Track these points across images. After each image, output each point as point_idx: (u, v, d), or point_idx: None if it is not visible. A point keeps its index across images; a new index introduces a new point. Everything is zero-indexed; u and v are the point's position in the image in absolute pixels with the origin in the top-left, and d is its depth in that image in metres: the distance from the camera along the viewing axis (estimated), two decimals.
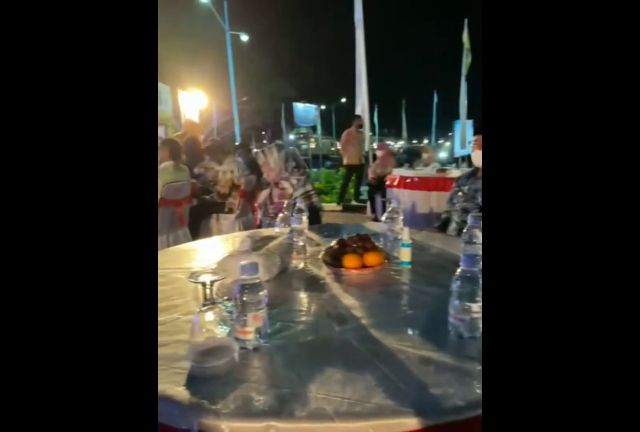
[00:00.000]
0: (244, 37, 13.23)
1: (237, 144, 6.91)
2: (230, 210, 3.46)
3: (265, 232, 1.31)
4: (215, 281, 0.63)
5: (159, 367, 0.61)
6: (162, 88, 6.72)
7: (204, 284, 0.63)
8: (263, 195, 2.48)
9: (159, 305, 0.86)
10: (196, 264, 1.19)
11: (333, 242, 1.18)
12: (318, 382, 0.57)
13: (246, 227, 3.41)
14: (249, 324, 0.66)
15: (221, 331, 0.64)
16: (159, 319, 0.79)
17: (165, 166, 3.04)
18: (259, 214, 2.38)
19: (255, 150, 2.26)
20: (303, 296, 0.96)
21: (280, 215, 1.47)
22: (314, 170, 12.06)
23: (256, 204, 2.44)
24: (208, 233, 3.41)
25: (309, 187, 2.28)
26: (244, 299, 0.66)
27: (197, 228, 3.34)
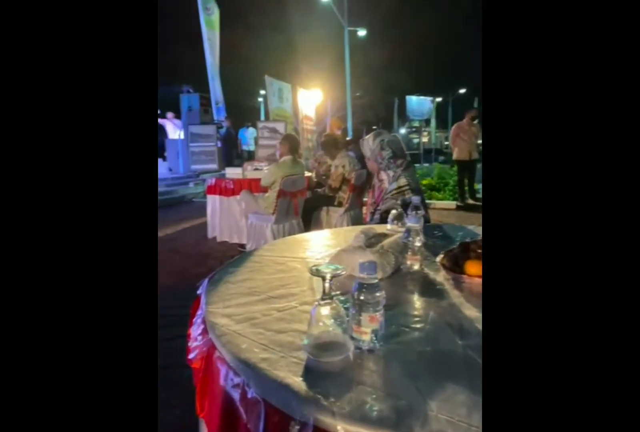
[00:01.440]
0: (362, 32, 13.26)
1: (348, 138, 7.01)
2: (340, 204, 3.52)
3: (379, 229, 1.28)
4: (336, 276, 0.63)
5: (278, 354, 0.64)
6: (284, 86, 7.17)
7: (324, 278, 0.63)
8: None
9: (278, 292, 0.90)
10: (310, 254, 1.23)
11: (454, 246, 1.08)
12: (439, 400, 0.51)
13: (354, 221, 3.44)
14: (365, 325, 0.64)
15: (337, 327, 0.64)
16: (278, 305, 0.83)
17: (284, 160, 3.25)
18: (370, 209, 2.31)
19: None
20: (419, 300, 0.90)
21: (393, 211, 1.42)
22: (426, 165, 11.52)
23: (365, 199, 2.42)
24: (318, 225, 3.54)
25: (402, 181, 1.97)
26: (362, 298, 0.64)
27: (309, 219, 3.50)
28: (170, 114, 8.74)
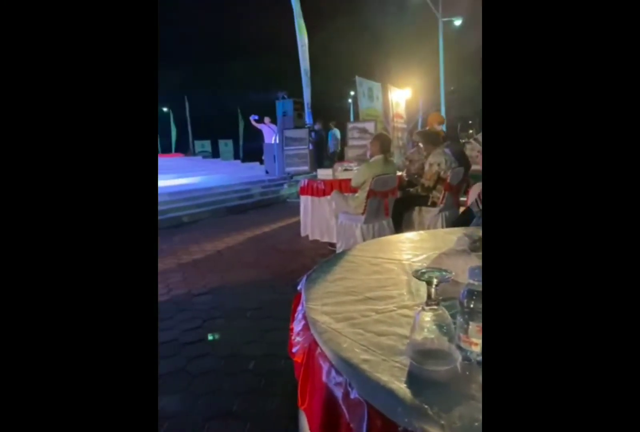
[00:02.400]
0: (458, 21, 12.46)
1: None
2: (434, 204, 3.36)
3: None
4: (443, 282, 0.59)
5: (379, 356, 0.63)
6: (374, 86, 7.12)
7: (430, 283, 0.60)
8: (475, 190, 2.27)
9: (376, 293, 0.89)
10: (406, 256, 1.19)
11: None
12: None
13: (449, 222, 3.25)
14: (474, 335, 0.59)
15: (442, 335, 0.61)
16: (377, 307, 0.82)
17: (376, 159, 3.22)
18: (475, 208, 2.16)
19: (466, 139, 2.05)
20: None
21: None
22: None
23: (465, 199, 2.27)
24: (410, 225, 3.43)
25: None
26: (471, 306, 0.59)
27: (400, 220, 3.41)
28: (267, 119, 9.35)
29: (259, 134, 9.86)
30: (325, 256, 3.43)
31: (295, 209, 4.91)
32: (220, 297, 2.63)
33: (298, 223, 4.38)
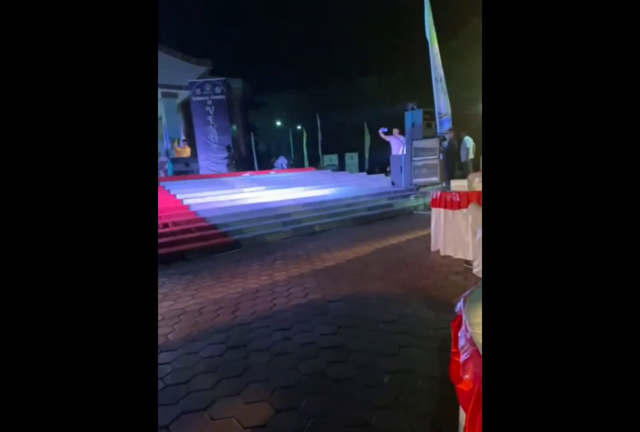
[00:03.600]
0: None
1: None
2: None
3: None
4: None
5: None
6: None
7: None
8: None
9: None
10: None
11: None
12: None
13: None
14: None
15: None
16: None
17: None
18: None
19: None
20: None
21: None
22: None
23: None
24: None
25: None
26: None
27: None
28: (396, 130, 9.35)
29: (383, 147, 9.94)
30: (459, 274, 3.20)
31: (422, 222, 4.76)
32: (352, 306, 2.71)
33: (426, 236, 4.22)
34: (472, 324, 0.83)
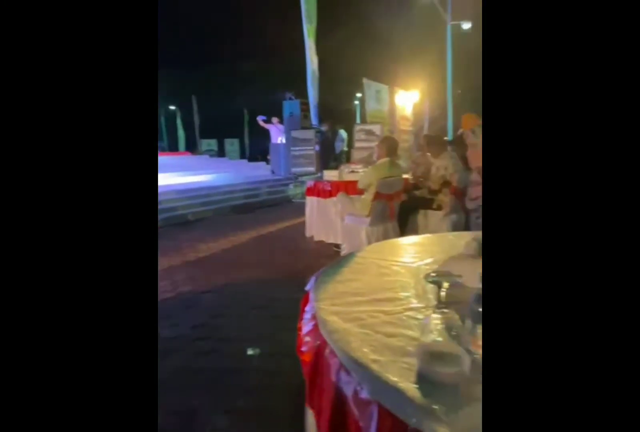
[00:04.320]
0: (466, 25, 12.44)
1: (446, 139, 6.61)
2: (439, 207, 3.36)
3: None
4: (454, 286, 0.61)
5: (388, 357, 0.64)
6: (382, 88, 7.13)
7: (440, 286, 0.61)
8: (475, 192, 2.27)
9: (383, 295, 0.91)
10: (413, 259, 1.20)
11: None
12: None
13: (455, 226, 3.25)
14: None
15: (451, 337, 0.62)
16: (385, 308, 0.83)
17: (382, 162, 3.23)
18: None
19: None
20: None
21: None
22: None
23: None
24: (414, 229, 3.43)
25: None
26: (480, 310, 0.60)
27: (405, 223, 3.41)
28: (275, 119, 9.38)
29: (265, 134, 9.90)
30: (330, 257, 3.44)
31: (300, 210, 4.93)
32: (226, 295, 2.66)
33: (303, 223, 4.40)
34: (318, 299, 0.89)
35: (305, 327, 0.84)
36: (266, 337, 2.03)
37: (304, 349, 0.79)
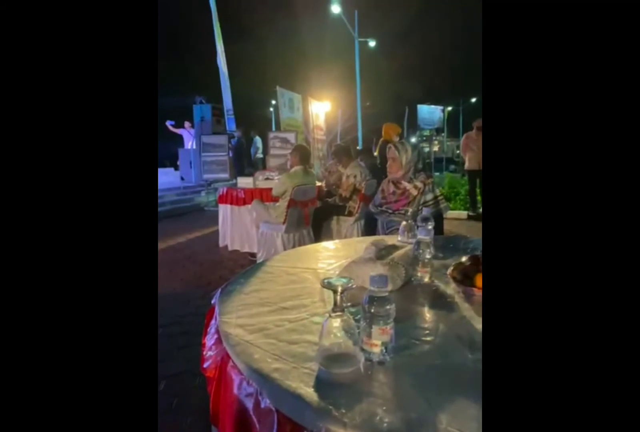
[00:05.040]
0: (372, 43, 13.42)
1: (359, 148, 7.02)
2: (350, 214, 3.54)
3: (389, 240, 1.29)
4: (347, 289, 0.65)
5: (290, 364, 0.65)
6: (295, 97, 7.28)
7: (335, 291, 0.64)
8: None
9: (290, 303, 0.92)
10: (321, 265, 1.25)
11: (464, 258, 1.09)
12: (449, 414, 0.52)
13: (363, 230, 3.45)
14: (376, 337, 0.65)
15: (348, 339, 0.65)
16: (290, 316, 0.84)
17: (295, 170, 3.29)
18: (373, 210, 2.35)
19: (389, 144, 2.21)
20: (429, 313, 0.91)
21: (404, 223, 1.43)
22: (437, 174, 11.50)
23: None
24: (329, 234, 3.55)
25: (437, 192, 2.17)
26: (372, 311, 0.65)
27: (320, 229, 3.51)
28: (187, 124, 8.93)
29: (174, 139, 9.35)
30: (245, 267, 3.37)
31: (213, 218, 4.75)
32: None
33: (216, 233, 4.24)
34: (222, 313, 0.87)
35: (209, 342, 0.81)
36: (173, 356, 1.90)
37: (206, 365, 0.76)
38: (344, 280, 0.66)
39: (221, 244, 4.11)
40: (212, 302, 0.98)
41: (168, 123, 9.08)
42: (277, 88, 6.77)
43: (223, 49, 8.10)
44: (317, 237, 3.43)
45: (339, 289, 0.64)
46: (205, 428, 1.22)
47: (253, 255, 3.66)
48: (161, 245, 4.25)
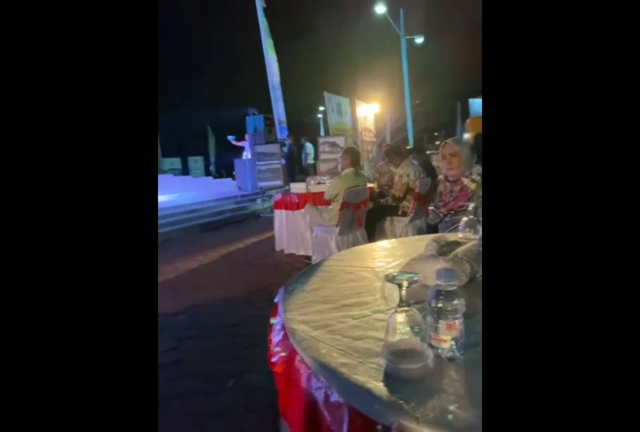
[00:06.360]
0: (419, 39, 13.11)
1: (409, 147, 6.84)
2: (404, 214, 3.46)
3: (451, 237, 1.24)
4: (413, 283, 0.63)
5: (356, 359, 0.65)
6: (343, 101, 7.32)
7: (400, 286, 0.63)
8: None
9: (351, 300, 0.92)
10: (379, 264, 1.23)
11: None
12: None
13: (419, 230, 3.35)
14: (443, 332, 0.63)
15: (414, 334, 0.64)
16: (353, 313, 0.85)
17: (347, 172, 3.30)
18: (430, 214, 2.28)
19: (433, 151, 2.17)
20: None
21: (464, 219, 1.37)
22: None
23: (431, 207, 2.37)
24: (382, 235, 3.51)
25: None
26: (439, 305, 0.63)
27: (373, 230, 3.48)
28: (247, 136, 9.33)
29: (230, 151, 9.84)
30: (301, 269, 3.42)
31: (268, 224, 4.91)
32: (195, 317, 2.57)
33: (272, 238, 4.37)
34: (286, 310, 0.90)
35: (275, 338, 0.84)
36: (238, 356, 1.98)
37: (274, 360, 0.79)
38: (409, 274, 0.65)
39: (277, 248, 4.23)
40: (275, 301, 1.01)
41: (229, 138, 9.56)
42: (325, 94, 6.86)
43: (275, 58, 8.38)
44: (371, 238, 3.40)
45: (405, 283, 0.63)
46: (271, 425, 1.25)
47: (308, 258, 3.72)
48: (222, 251, 4.47)
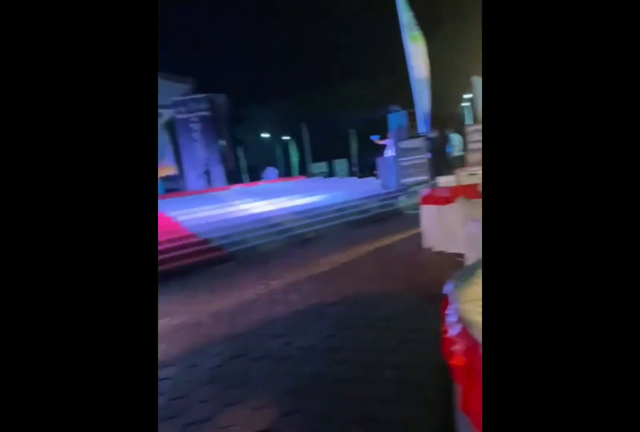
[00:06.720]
0: None
1: None
2: None
3: None
4: None
5: None
6: None
7: None
8: None
9: None
10: None
11: None
12: None
13: None
14: None
15: None
16: None
17: None
18: None
19: None
20: None
21: None
22: None
23: None
24: None
25: None
26: None
27: None
28: (389, 134, 9.41)
29: (371, 150, 10.02)
30: (454, 268, 3.21)
31: (413, 221, 4.78)
32: (351, 308, 2.70)
33: (418, 235, 4.24)
34: (462, 301, 0.84)
35: (452, 330, 0.79)
36: (398, 348, 1.98)
37: (453, 352, 0.75)
38: None
39: (425, 245, 4.09)
40: (445, 292, 0.97)
41: (373, 138, 9.78)
42: (473, 78, 6.31)
43: (420, 51, 8.15)
44: None
45: None
46: (441, 419, 1.20)
47: (460, 256, 3.46)
48: (369, 247, 4.58)
